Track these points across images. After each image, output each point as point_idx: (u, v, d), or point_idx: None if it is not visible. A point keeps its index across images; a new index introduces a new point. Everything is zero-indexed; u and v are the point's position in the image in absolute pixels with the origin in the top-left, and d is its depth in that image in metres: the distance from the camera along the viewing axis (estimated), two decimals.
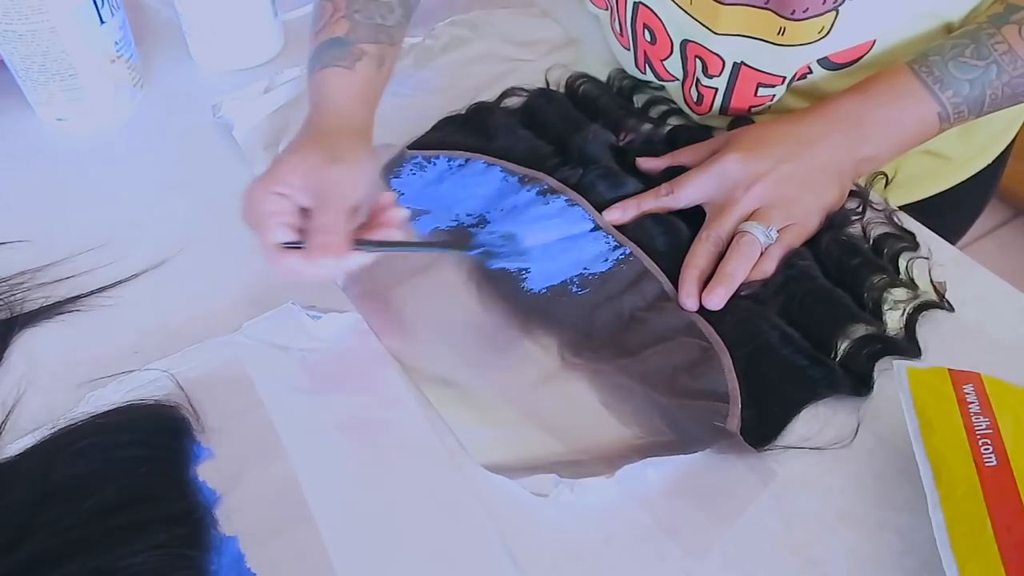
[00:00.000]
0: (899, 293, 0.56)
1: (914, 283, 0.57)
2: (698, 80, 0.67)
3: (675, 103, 0.72)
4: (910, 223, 0.62)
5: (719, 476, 0.48)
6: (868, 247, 0.59)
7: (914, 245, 0.60)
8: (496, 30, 0.81)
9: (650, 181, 0.62)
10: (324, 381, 0.53)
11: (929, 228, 0.63)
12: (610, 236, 0.59)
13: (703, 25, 0.62)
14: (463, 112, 0.71)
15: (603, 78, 0.74)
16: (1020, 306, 0.57)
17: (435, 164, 0.66)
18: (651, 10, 0.66)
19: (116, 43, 0.71)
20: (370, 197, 0.54)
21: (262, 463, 0.49)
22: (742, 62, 0.63)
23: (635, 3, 0.67)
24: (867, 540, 0.45)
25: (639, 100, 0.72)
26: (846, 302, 0.55)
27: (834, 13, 0.57)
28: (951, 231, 0.80)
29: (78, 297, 0.58)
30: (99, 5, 0.68)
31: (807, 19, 0.58)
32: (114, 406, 0.50)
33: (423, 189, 0.64)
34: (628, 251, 0.58)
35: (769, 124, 0.60)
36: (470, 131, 0.69)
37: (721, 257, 0.56)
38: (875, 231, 0.60)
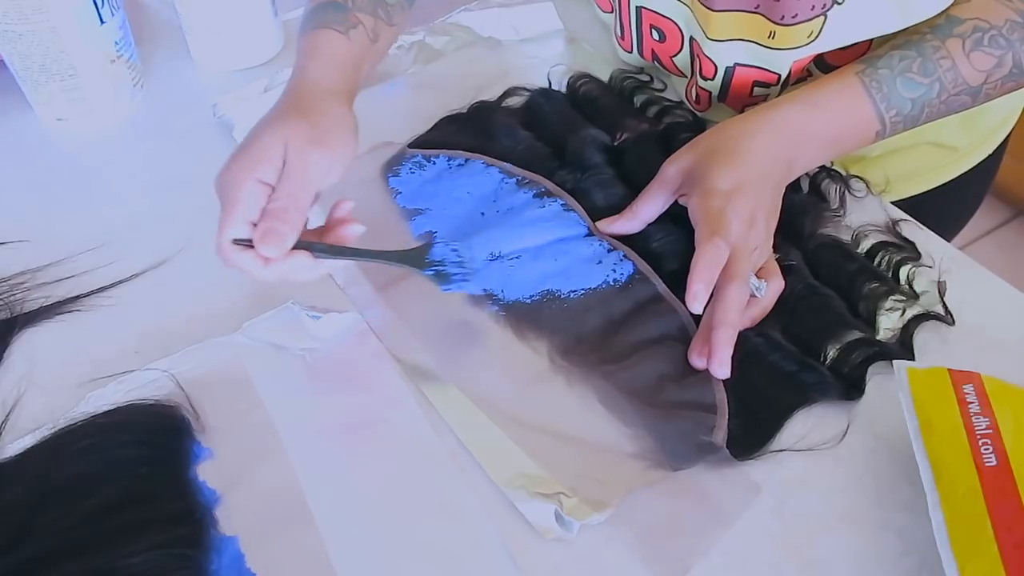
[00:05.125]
0: (896, 300, 0.56)
1: (915, 292, 0.57)
2: (696, 81, 0.67)
3: (673, 101, 0.71)
4: (909, 225, 0.62)
5: (713, 479, 0.48)
6: (862, 255, 0.59)
7: (916, 255, 0.59)
8: (498, 28, 0.81)
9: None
10: (324, 381, 0.53)
11: (932, 220, 0.63)
12: (604, 240, 0.59)
13: (700, 28, 0.63)
14: (464, 111, 0.71)
15: (605, 78, 0.74)
16: (1020, 306, 0.57)
17: (435, 163, 0.66)
18: (655, 12, 0.66)
19: (116, 43, 0.71)
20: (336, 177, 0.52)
21: (262, 463, 0.49)
22: (735, 64, 0.63)
23: (638, 7, 0.67)
24: (867, 540, 0.45)
25: (639, 100, 0.72)
26: (838, 308, 0.55)
27: (823, 18, 0.57)
28: (953, 223, 0.80)
29: (78, 297, 0.58)
30: (99, 5, 0.68)
31: (796, 24, 0.58)
32: (114, 406, 0.50)
33: (421, 188, 0.64)
34: (623, 254, 0.58)
35: (719, 141, 0.56)
36: (471, 130, 0.68)
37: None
38: (872, 240, 0.60)
